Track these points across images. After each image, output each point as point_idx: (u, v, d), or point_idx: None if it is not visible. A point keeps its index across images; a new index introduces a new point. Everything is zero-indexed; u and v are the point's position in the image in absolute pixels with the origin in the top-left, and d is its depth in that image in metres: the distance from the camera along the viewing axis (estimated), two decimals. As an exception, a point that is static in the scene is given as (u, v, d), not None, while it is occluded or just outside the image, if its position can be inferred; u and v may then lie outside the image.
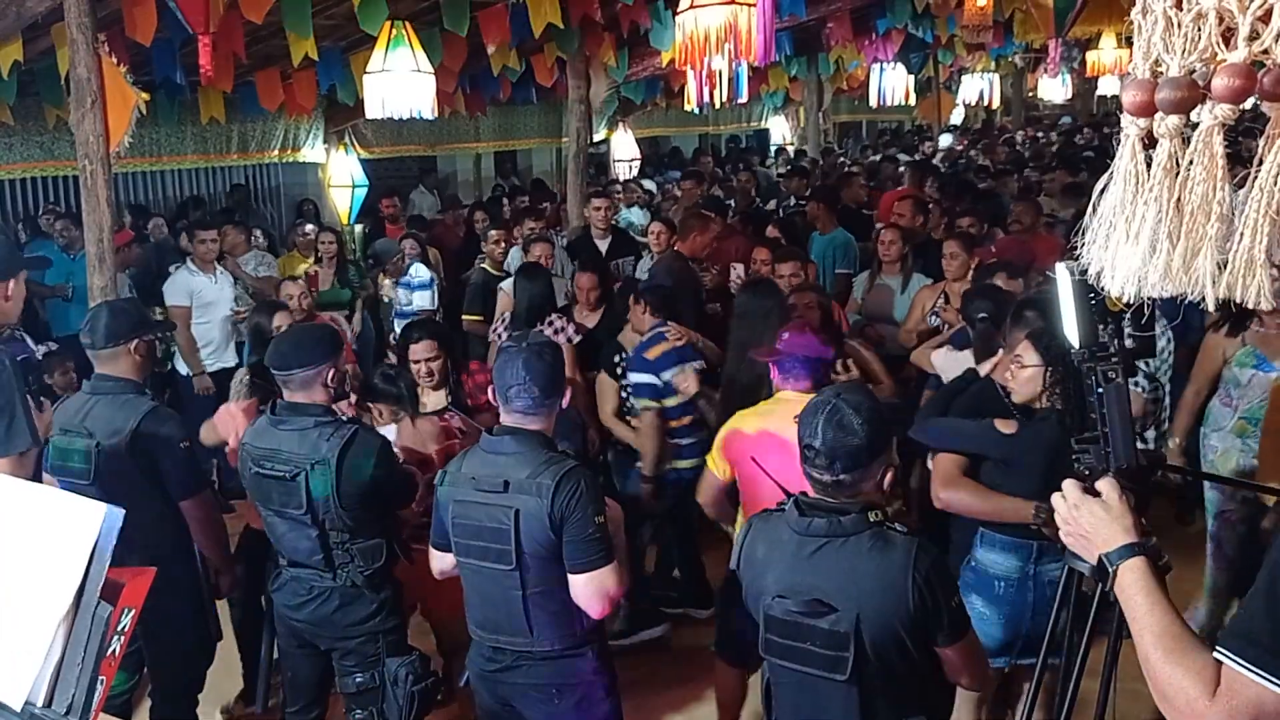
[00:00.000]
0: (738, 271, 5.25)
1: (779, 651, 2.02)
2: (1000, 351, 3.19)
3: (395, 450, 3.10)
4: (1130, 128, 0.89)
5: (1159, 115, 0.86)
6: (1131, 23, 0.91)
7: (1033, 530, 2.71)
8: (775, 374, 3.07)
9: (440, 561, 2.56)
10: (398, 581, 2.87)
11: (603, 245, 6.12)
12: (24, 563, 1.57)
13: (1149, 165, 0.88)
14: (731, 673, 3.00)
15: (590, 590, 2.33)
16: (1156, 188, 0.86)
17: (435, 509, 2.50)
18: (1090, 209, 0.92)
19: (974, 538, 2.82)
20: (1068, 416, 2.63)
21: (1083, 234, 0.90)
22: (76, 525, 1.53)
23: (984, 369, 3.16)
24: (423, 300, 5.93)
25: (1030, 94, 19.21)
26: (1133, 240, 0.87)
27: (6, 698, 1.52)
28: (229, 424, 3.33)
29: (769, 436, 2.87)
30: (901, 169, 9.66)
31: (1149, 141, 0.89)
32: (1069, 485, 1.55)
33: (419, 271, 5.98)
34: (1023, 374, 2.74)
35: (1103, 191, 0.92)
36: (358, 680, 2.77)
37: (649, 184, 10.16)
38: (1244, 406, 3.48)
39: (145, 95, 4.23)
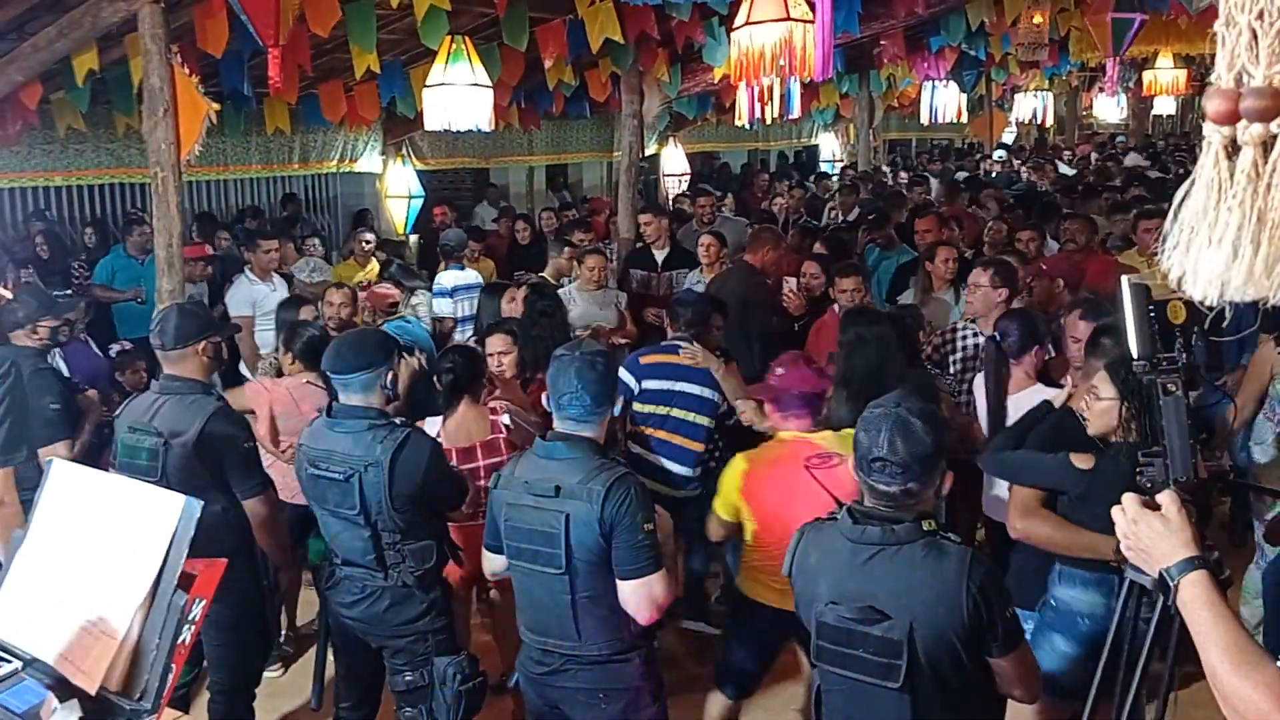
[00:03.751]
0: (789, 285, 5.24)
1: (830, 658, 2.02)
2: (1070, 382, 3.13)
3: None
4: (1213, 135, 0.90)
5: (1242, 123, 0.87)
6: (1215, 35, 0.92)
7: (1112, 565, 2.64)
8: (773, 411, 3.03)
9: (492, 563, 2.60)
10: (446, 582, 2.91)
11: (660, 256, 6.17)
12: (106, 551, 1.62)
13: (1231, 173, 0.88)
14: (724, 704, 3.04)
15: (638, 597, 2.35)
16: (1240, 194, 0.87)
17: (489, 510, 2.55)
18: (1171, 215, 0.93)
19: (1050, 575, 2.71)
20: (1140, 452, 2.56)
21: (1163, 240, 0.92)
22: (156, 515, 1.58)
23: (1058, 400, 3.07)
24: (442, 305, 5.90)
25: (1085, 113, 18.97)
26: (1215, 246, 0.88)
27: (84, 683, 1.56)
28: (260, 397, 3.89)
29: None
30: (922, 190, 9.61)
31: (1232, 149, 0.90)
32: (1129, 499, 1.53)
33: (466, 276, 6.08)
34: (1098, 405, 2.61)
35: (1184, 198, 0.93)
36: (407, 679, 2.81)
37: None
38: None
39: (216, 105, 4.35)
